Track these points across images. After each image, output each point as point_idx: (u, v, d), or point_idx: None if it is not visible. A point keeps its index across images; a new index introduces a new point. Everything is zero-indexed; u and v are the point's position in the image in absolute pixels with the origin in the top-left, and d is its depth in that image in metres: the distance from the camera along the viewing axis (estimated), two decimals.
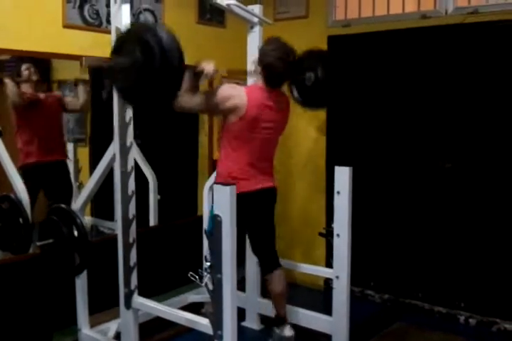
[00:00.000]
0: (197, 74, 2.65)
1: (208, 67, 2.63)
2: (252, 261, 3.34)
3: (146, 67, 2.07)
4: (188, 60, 3.71)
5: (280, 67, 2.71)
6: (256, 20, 3.15)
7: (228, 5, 2.96)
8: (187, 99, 2.61)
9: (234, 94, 2.69)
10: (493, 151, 3.43)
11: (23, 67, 3.10)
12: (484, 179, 3.47)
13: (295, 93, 3.24)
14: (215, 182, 2.65)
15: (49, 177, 3.38)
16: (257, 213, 2.90)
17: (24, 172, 3.09)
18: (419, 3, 3.68)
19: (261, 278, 3.26)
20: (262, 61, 2.75)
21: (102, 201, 3.32)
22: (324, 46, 3.97)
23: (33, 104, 3.19)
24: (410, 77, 3.72)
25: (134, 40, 2.15)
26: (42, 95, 3.29)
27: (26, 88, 3.15)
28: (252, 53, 3.16)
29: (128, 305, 2.68)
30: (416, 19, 3.63)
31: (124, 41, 2.23)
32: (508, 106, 3.35)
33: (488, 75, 3.42)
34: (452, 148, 3.59)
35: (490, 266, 3.47)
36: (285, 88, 3.05)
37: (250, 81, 3.15)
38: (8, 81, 3.01)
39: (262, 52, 2.78)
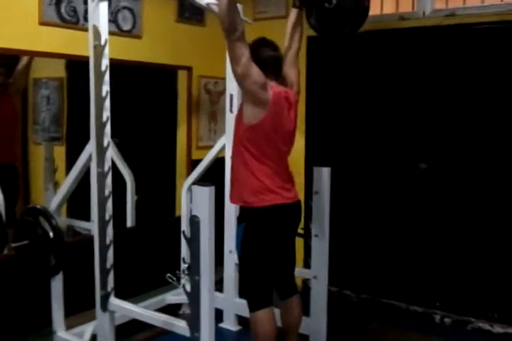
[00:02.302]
0: None
1: None
2: (230, 261, 3.33)
3: None
4: (166, 59, 3.75)
5: (270, 51, 2.53)
6: None
7: (208, 4, 2.94)
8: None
9: (267, 82, 2.41)
10: (469, 152, 3.48)
11: None
12: (460, 179, 3.51)
13: (312, 20, 2.86)
14: (240, 199, 2.52)
15: None
16: (285, 228, 2.61)
17: None
18: (397, 5, 3.72)
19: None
20: (256, 60, 2.41)
21: (78, 201, 3.27)
22: (303, 46, 3.97)
23: None
24: (388, 77, 3.75)
25: None
26: None
27: None
28: None
29: (104, 307, 2.65)
30: (394, 20, 3.66)
31: None
32: (483, 107, 3.41)
33: (463, 76, 3.46)
34: (428, 149, 3.63)
35: (464, 265, 3.52)
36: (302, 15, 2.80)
37: (231, 120, 3.06)
38: None
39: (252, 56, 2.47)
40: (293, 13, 2.78)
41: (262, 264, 2.51)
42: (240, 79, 2.38)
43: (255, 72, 2.35)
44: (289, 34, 2.76)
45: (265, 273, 2.53)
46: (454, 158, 3.53)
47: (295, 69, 2.73)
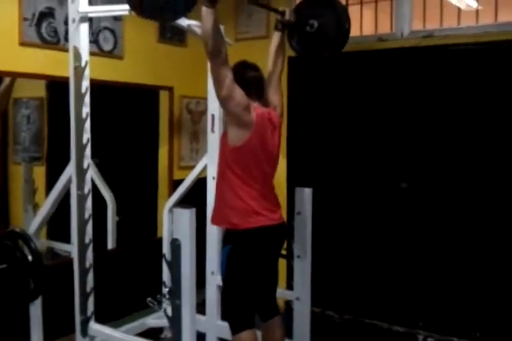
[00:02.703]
0: None
1: None
2: (212, 283, 3.29)
3: None
4: (148, 79, 3.75)
5: (253, 72, 2.55)
6: None
7: (189, 25, 2.95)
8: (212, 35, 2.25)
9: (250, 104, 2.43)
10: (449, 171, 3.51)
11: None
12: (440, 198, 3.54)
13: (294, 42, 2.93)
14: (224, 221, 2.51)
15: None
16: (270, 250, 2.60)
17: None
18: (376, 26, 3.78)
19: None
20: (238, 82, 2.43)
21: (58, 222, 3.22)
22: (285, 67, 4.00)
23: None
24: (368, 98, 3.79)
25: None
26: None
27: None
28: None
29: (84, 332, 2.60)
30: (373, 42, 3.72)
31: None
32: (462, 126, 3.45)
33: (442, 96, 3.52)
34: (408, 169, 3.66)
35: (447, 285, 3.52)
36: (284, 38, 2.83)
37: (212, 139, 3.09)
38: None
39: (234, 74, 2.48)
40: (275, 36, 2.80)
41: (246, 286, 2.50)
42: (224, 101, 2.38)
43: (238, 94, 2.36)
44: (272, 57, 2.78)
45: (249, 294, 2.52)
46: (434, 177, 3.56)
47: (279, 92, 2.75)
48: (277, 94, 2.73)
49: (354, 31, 3.81)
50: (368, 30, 3.80)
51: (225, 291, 2.62)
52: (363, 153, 3.82)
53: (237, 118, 2.39)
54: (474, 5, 3.46)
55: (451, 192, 3.50)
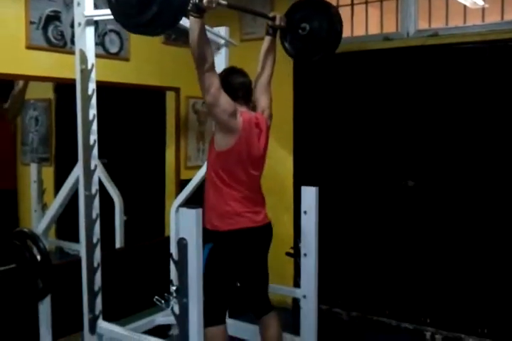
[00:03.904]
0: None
1: None
2: None
3: None
4: (154, 81, 3.77)
5: (240, 77, 2.62)
6: (222, 42, 3.17)
7: None
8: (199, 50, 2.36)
9: (236, 110, 2.48)
10: (455, 169, 3.51)
11: None
12: (447, 196, 3.55)
13: (286, 44, 2.97)
14: (208, 222, 2.57)
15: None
16: (252, 251, 2.70)
17: None
18: (381, 26, 3.78)
19: None
20: (225, 87, 2.50)
21: (66, 222, 3.26)
22: (290, 66, 4.02)
23: None
24: (374, 97, 3.80)
25: None
26: None
27: None
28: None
29: (92, 330, 2.63)
30: (379, 41, 3.72)
31: None
32: (468, 124, 3.45)
33: (448, 95, 3.52)
34: (415, 167, 3.66)
35: (454, 281, 3.53)
36: (277, 41, 2.90)
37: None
38: None
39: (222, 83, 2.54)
40: (266, 41, 2.86)
41: (222, 284, 2.63)
42: (210, 107, 2.46)
43: (224, 101, 2.43)
44: (261, 60, 2.84)
45: (223, 292, 2.65)
46: (442, 175, 3.57)
47: (267, 94, 2.80)
48: (266, 97, 2.79)
49: (359, 30, 3.84)
50: (374, 29, 3.80)
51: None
52: (370, 151, 3.83)
53: (223, 124, 2.47)
54: (480, 3, 3.46)
55: (458, 190, 3.50)
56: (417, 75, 3.62)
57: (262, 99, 2.76)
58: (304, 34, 2.86)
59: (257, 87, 2.77)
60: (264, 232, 2.70)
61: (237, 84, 2.59)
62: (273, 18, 2.81)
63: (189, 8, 2.19)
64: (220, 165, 2.54)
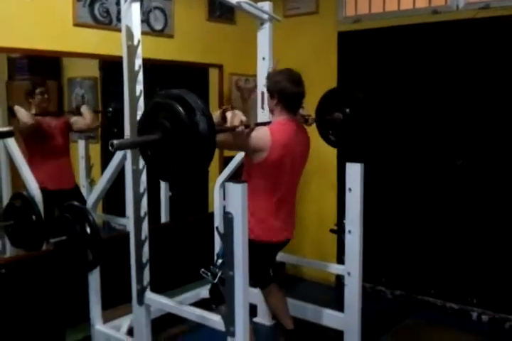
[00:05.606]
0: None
1: (234, 120, 2.41)
2: None
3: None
4: (197, 58, 3.78)
5: (293, 86, 2.61)
6: (266, 17, 3.14)
7: (238, 2, 2.96)
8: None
9: (259, 137, 2.54)
10: (504, 148, 3.41)
11: (37, 90, 3.12)
12: (495, 175, 3.45)
13: (330, 136, 3.23)
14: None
15: None
16: (267, 258, 2.94)
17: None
18: None
19: None
20: (274, 90, 2.64)
21: (113, 197, 3.33)
22: (334, 42, 3.96)
23: (41, 129, 3.18)
24: (422, 73, 3.70)
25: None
26: (49, 119, 3.26)
27: (36, 110, 3.14)
28: (262, 50, 3.17)
29: (140, 301, 2.70)
30: (427, 14, 3.61)
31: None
32: None
33: (499, 71, 3.39)
34: (463, 145, 3.57)
35: (502, 262, 3.45)
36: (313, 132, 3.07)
37: (262, 116, 3.22)
38: (17, 108, 3.00)
39: (271, 82, 2.67)
40: None
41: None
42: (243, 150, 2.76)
43: (249, 144, 2.51)
44: None
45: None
46: (490, 153, 3.46)
47: None
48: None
49: (407, 4, 3.74)
50: (421, 2, 3.68)
51: None
52: (417, 128, 3.75)
53: (254, 153, 2.58)
54: None
55: (508, 170, 3.40)
56: (467, 51, 3.50)
57: None
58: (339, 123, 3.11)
59: None
60: (282, 246, 2.86)
61: (292, 94, 2.63)
62: (306, 120, 2.99)
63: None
64: (258, 173, 2.61)
